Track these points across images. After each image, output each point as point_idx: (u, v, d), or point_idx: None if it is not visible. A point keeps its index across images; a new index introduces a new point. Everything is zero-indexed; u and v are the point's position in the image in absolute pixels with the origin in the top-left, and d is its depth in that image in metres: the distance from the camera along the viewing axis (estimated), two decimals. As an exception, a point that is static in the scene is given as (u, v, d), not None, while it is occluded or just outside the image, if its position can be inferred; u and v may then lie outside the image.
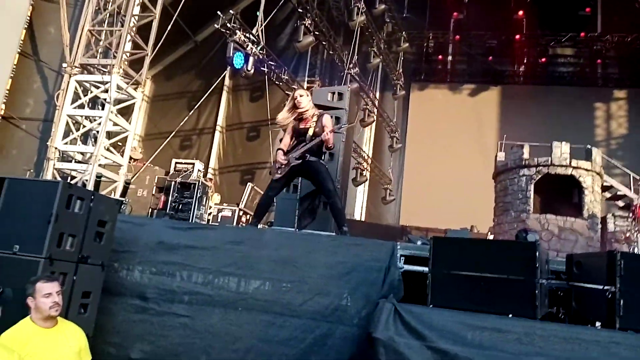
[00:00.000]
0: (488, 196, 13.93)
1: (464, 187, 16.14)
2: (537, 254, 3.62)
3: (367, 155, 17.32)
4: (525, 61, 18.98)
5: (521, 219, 11.77)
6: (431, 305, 3.85)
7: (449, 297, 3.81)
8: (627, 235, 11.17)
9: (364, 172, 16.38)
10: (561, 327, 3.50)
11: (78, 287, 3.84)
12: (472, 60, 19.67)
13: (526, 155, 12.51)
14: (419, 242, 5.76)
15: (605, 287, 3.50)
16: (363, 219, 16.59)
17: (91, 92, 8.66)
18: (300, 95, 5.47)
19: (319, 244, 4.73)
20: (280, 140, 5.80)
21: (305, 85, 14.35)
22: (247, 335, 4.27)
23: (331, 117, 5.78)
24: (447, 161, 17.44)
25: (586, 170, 12.05)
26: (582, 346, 3.27)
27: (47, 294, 3.00)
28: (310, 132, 5.37)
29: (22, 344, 2.90)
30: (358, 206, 17.12)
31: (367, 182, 17.10)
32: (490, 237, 12.83)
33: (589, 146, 12.71)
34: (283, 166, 5.40)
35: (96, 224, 4.10)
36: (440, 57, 19.94)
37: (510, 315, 3.58)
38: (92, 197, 4.08)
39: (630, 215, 11.54)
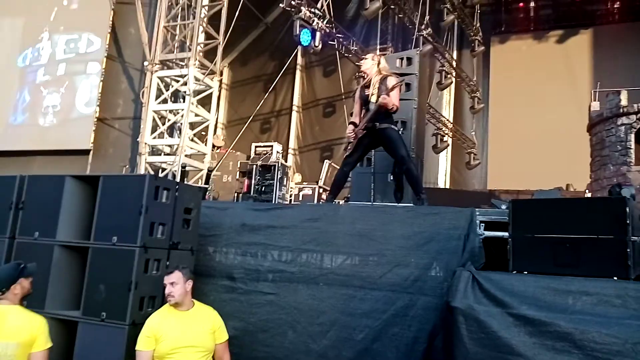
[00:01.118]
0: (583, 151, 12.99)
1: (556, 143, 15.11)
2: (628, 209, 3.36)
3: (447, 119, 16.73)
4: (619, -4, 17.15)
5: (621, 172, 10.85)
6: (514, 272, 3.73)
7: (532, 262, 3.67)
8: None
9: (445, 138, 15.87)
10: (658, 288, 3.24)
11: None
12: (558, 3, 18.07)
13: (624, 101, 11.43)
14: (503, 207, 5.53)
15: None
16: (448, 187, 16.16)
17: (172, 86, 9.14)
18: (364, 59, 5.37)
19: (395, 216, 4.71)
20: (351, 114, 5.75)
21: (378, 53, 14.08)
22: (330, 309, 4.40)
23: (397, 76, 5.57)
24: (535, 117, 16.38)
25: (696, 111, 10.80)
26: (684, 307, 3.02)
27: (164, 284, 3.48)
28: (373, 98, 5.19)
29: (158, 324, 3.39)
30: (442, 174, 16.66)
31: (449, 148, 16.57)
32: (588, 194, 11.97)
33: (698, 84, 11.35)
34: (353, 140, 5.37)
35: (183, 212, 4.38)
36: (521, 4, 18.53)
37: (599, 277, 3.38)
38: (177, 187, 4.36)
39: None
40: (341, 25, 12.01)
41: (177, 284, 3.47)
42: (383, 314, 4.23)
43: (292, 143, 14.63)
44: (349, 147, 5.43)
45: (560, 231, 3.58)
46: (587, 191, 12.57)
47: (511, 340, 3.26)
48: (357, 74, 12.77)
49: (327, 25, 10.45)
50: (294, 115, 14.85)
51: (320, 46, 10.21)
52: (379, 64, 5.41)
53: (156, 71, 9.17)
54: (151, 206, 3.97)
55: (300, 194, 10.34)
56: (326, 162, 11.50)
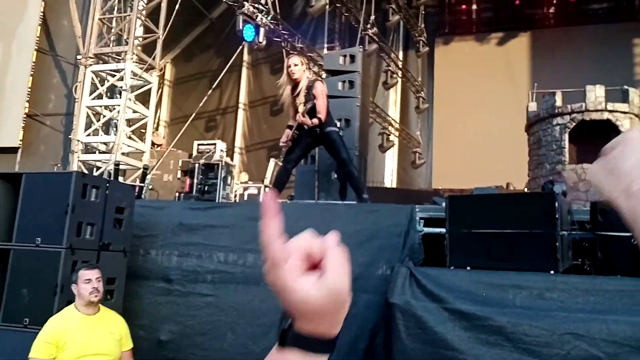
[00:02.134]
0: (523, 150, 13.49)
1: (498, 143, 15.65)
2: (557, 204, 3.46)
3: (393, 119, 16.97)
4: (555, 1, 17.97)
5: (557, 171, 11.35)
6: (451, 267, 3.77)
7: (468, 257, 3.73)
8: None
9: (391, 137, 16.09)
10: (583, 279, 3.36)
11: (102, 274, 3.97)
12: (498, 6, 18.71)
13: (559, 102, 11.96)
14: (443, 204, 5.64)
15: (630, 234, 3.32)
16: (394, 185, 16.39)
17: (107, 81, 8.77)
18: (294, 65, 5.11)
19: (337, 214, 4.70)
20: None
21: (325, 52, 14.07)
22: (271, 309, 4.31)
23: (322, 81, 5.54)
24: (478, 117, 16.91)
25: (623, 112, 11.43)
26: (606, 297, 3.14)
27: (87, 279, 3.14)
28: (301, 108, 5.09)
29: (61, 329, 3.05)
30: (388, 172, 16.88)
31: (395, 147, 16.80)
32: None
33: (625, 87, 12.01)
34: (284, 145, 5.36)
35: (114, 211, 4.20)
36: (464, 6, 19.08)
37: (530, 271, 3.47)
38: (108, 184, 4.17)
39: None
40: (288, 23, 11.92)
41: (100, 280, 3.22)
42: (324, 313, 4.19)
43: (239, 142, 14.38)
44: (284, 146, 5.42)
45: (495, 226, 3.66)
46: (525, 189, 13.08)
47: (447, 335, 3.29)
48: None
49: (272, 21, 10.32)
50: (241, 113, 14.61)
51: (264, 43, 10.08)
52: (307, 67, 5.36)
53: (90, 65, 8.76)
54: (78, 205, 3.79)
55: (246, 193, 10.16)
56: (272, 161, 11.37)
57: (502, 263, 3.58)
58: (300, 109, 5.07)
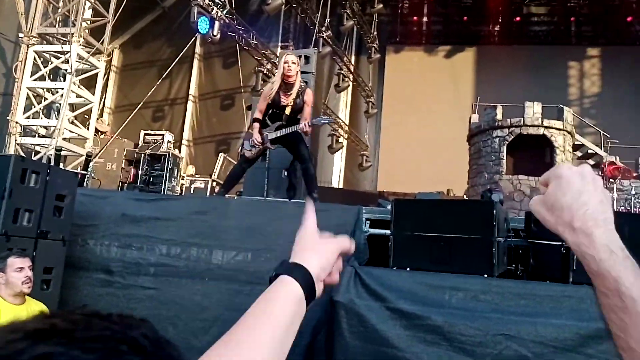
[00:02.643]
0: (464, 159, 14.05)
1: (441, 150, 16.22)
2: (495, 212, 3.66)
3: (343, 121, 17.21)
4: (500, 20, 18.86)
5: (494, 180, 11.91)
6: (394, 267, 3.90)
7: (411, 258, 3.87)
8: (597, 193, 11.34)
9: (340, 139, 16.30)
10: (516, 284, 3.58)
11: (39, 263, 3.81)
12: (447, 21, 19.44)
13: (499, 116, 12.55)
14: (388, 207, 5.81)
15: (561, 243, 3.57)
16: (341, 186, 16.62)
17: (51, 62, 8.36)
18: (293, 63, 5.15)
19: (286, 212, 4.74)
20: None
21: (279, 51, 14.06)
22: (215, 304, 4.31)
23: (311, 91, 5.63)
24: (423, 125, 17.45)
25: (557, 129, 12.16)
26: (536, 301, 3.36)
27: (19, 268, 2.97)
28: (288, 110, 5.21)
29: None
30: (336, 173, 17.11)
31: (344, 149, 17.04)
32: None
33: (560, 105, 12.79)
34: (257, 145, 5.29)
35: (54, 198, 4.06)
36: (415, 18, 19.65)
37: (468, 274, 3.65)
38: (48, 170, 4.01)
39: (600, 173, 11.73)
40: (243, 18, 11.82)
41: (31, 268, 3.05)
42: (268, 310, 4.22)
43: (187, 134, 14.08)
44: (251, 151, 5.36)
45: (436, 230, 3.82)
46: (464, 196, 13.63)
47: (387, 333, 3.41)
48: (256, 68, 12.65)
49: (227, 15, 10.21)
50: (190, 105, 14.31)
51: (218, 36, 9.95)
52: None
53: (33, 45, 8.31)
54: (16, 190, 3.65)
55: (192, 186, 9.96)
56: (221, 156, 11.22)
57: (442, 265, 3.75)
58: (288, 110, 5.16)
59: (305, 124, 5.08)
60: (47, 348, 0.40)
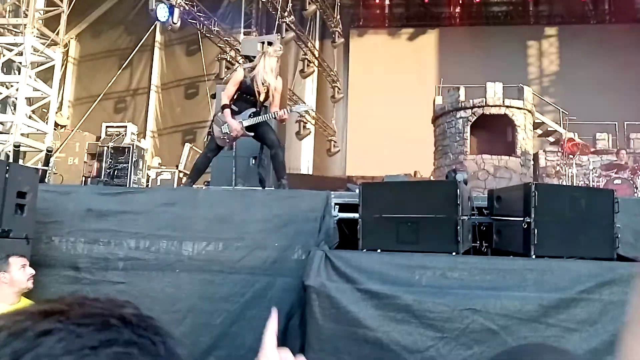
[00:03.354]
0: (429, 141, 14.26)
1: (407, 133, 16.41)
2: (458, 191, 3.76)
3: (310, 107, 17.16)
4: (460, 2, 19.07)
5: (459, 160, 12.15)
6: (364, 250, 3.97)
7: (379, 240, 3.94)
8: (557, 169, 11.77)
9: (308, 125, 16.29)
10: (481, 260, 3.70)
11: (1, 263, 3.72)
12: (409, 3, 19.55)
13: (462, 97, 12.78)
14: (357, 191, 5.88)
15: (522, 218, 3.70)
16: (310, 172, 16.65)
17: (3, 55, 8.04)
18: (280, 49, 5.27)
19: (255, 199, 4.74)
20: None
21: (242, 37, 13.87)
22: (187, 295, 4.30)
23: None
24: (389, 108, 17.59)
25: (518, 108, 12.46)
26: (500, 275, 3.48)
27: (22, 265, 3.05)
28: (262, 97, 5.20)
29: None
30: (304, 160, 17.11)
31: (312, 135, 17.03)
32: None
33: (520, 85, 13.09)
34: (235, 132, 5.25)
35: (15, 195, 3.96)
36: (377, 0, 19.69)
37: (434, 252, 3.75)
38: (7, 167, 3.91)
39: (560, 150, 12.12)
40: (204, 5, 11.60)
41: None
42: (241, 297, 4.25)
43: (151, 125, 13.80)
44: (227, 140, 5.33)
45: (403, 211, 3.89)
46: (431, 177, 13.87)
47: (359, 314, 3.48)
48: (219, 55, 12.47)
49: (188, 2, 10.00)
50: (153, 95, 14.00)
51: (179, 24, 9.74)
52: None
53: (-18, 36, 8.00)
54: (-26, 189, 3.52)
55: (158, 178, 9.79)
56: (187, 146, 11.06)
57: (409, 245, 3.83)
58: (262, 97, 5.17)
59: (284, 111, 5.10)
60: (48, 325, 0.46)
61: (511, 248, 3.94)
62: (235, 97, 5.27)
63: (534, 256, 3.64)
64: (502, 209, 4.04)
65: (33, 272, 3.10)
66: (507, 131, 12.47)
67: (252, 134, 5.34)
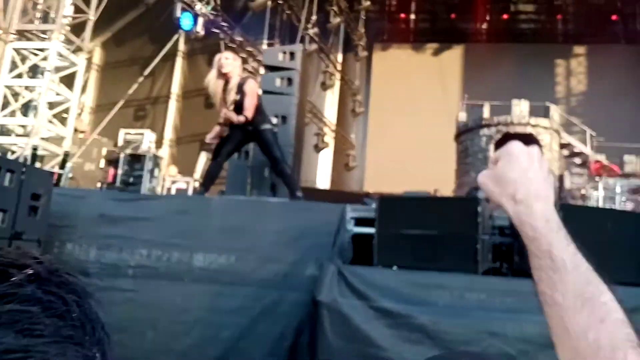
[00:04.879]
0: (451, 158, 14.03)
1: (429, 150, 16.19)
2: (479, 209, 3.60)
3: (329, 120, 17.11)
4: (487, 18, 18.92)
5: (481, 178, 11.87)
6: (379, 266, 3.83)
7: (395, 257, 3.79)
8: (582, 192, 11.41)
9: (326, 138, 16.19)
10: (501, 281, 3.53)
11: (12, 265, 3.69)
12: (435, 18, 19.47)
13: (486, 114, 12.56)
14: (373, 205, 5.74)
15: (546, 240, 3.52)
16: (327, 186, 16.48)
17: (30, 60, 8.18)
18: (226, 58, 5.07)
19: (268, 211, 4.65)
20: None
21: (265, 47, 13.93)
22: (195, 306, 4.20)
23: (256, 80, 5.53)
24: (411, 124, 17.42)
25: (544, 128, 12.19)
26: (520, 298, 3.30)
27: None
28: (231, 108, 5.03)
29: None
30: (322, 173, 16.92)
31: (331, 149, 16.91)
32: (452, 197, 12.94)
33: (547, 104, 12.82)
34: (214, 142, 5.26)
35: (29, 198, 3.93)
36: (403, 15, 19.63)
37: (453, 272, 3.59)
38: (23, 169, 3.89)
39: (586, 171, 11.79)
40: (228, 15, 11.68)
41: None
42: (251, 311, 4.13)
43: (169, 133, 13.87)
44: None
45: (421, 228, 3.75)
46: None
47: (371, 333, 3.33)
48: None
49: (212, 12, 10.07)
50: (173, 103, 14.10)
51: (203, 33, 9.81)
52: (241, 65, 5.32)
53: (11, 41, 8.12)
54: (-10, 190, 3.50)
55: (173, 187, 9.77)
56: (203, 154, 11.03)
57: (426, 263, 3.68)
58: (230, 105, 5.01)
59: (224, 112, 5.00)
60: None
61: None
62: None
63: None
64: (525, 229, 3.86)
65: None
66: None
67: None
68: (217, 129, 5.20)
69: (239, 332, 4.08)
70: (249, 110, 4.95)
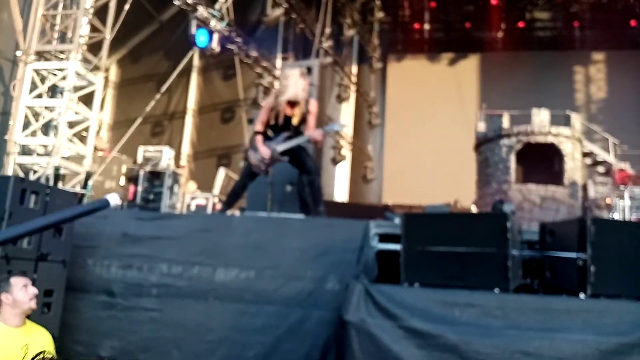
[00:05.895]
0: (470, 168, 13.87)
1: (447, 160, 16.03)
2: (508, 224, 3.52)
3: (346, 133, 17.06)
4: (503, 27, 18.75)
5: (502, 190, 11.72)
6: (405, 284, 3.76)
7: (422, 274, 3.72)
8: (608, 201, 11.17)
9: (343, 151, 16.14)
10: (533, 299, 3.44)
11: (39, 286, 3.65)
12: (449, 28, 19.34)
13: (506, 124, 12.40)
14: (396, 220, 5.65)
15: (577, 255, 3.42)
16: (346, 199, 16.38)
17: (49, 80, 8.30)
18: (292, 75, 5.19)
19: (291, 228, 4.62)
20: (250, 121, 5.62)
21: (278, 62, 14.00)
22: (220, 325, 4.17)
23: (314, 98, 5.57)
24: (428, 135, 17.29)
25: (566, 137, 11.98)
26: (554, 316, 3.21)
27: (24, 285, 2.90)
28: (295, 121, 5.13)
29: None
30: (340, 186, 16.82)
31: (348, 162, 16.83)
32: (474, 210, 12.77)
33: (568, 112, 12.62)
34: (266, 160, 5.19)
35: (54, 219, 3.94)
36: (417, 25, 19.52)
37: (482, 289, 3.50)
38: (48, 191, 3.92)
39: (611, 180, 11.55)
40: (242, 30, 11.77)
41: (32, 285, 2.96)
42: (276, 330, 4.08)
43: (186, 148, 13.97)
44: (261, 167, 5.26)
45: (449, 244, 3.68)
46: (472, 206, 13.42)
47: (401, 353, 3.26)
48: (256, 80, 12.57)
49: (227, 28, 10.14)
50: (189, 119, 14.21)
51: (218, 48, 9.88)
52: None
53: (31, 62, 8.26)
54: (16, 212, 3.56)
55: (193, 203, 9.79)
56: (222, 170, 11.06)
57: (455, 280, 3.60)
58: (295, 121, 5.12)
59: (319, 132, 5.01)
60: None
61: (565, 286, 3.64)
62: (269, 122, 5.23)
63: (589, 295, 3.34)
64: (555, 244, 3.76)
65: (36, 291, 2.93)
66: (553, 160, 11.96)
67: (287, 158, 5.24)
68: (265, 150, 5.18)
69: (264, 351, 4.03)
70: (313, 129, 5.17)
